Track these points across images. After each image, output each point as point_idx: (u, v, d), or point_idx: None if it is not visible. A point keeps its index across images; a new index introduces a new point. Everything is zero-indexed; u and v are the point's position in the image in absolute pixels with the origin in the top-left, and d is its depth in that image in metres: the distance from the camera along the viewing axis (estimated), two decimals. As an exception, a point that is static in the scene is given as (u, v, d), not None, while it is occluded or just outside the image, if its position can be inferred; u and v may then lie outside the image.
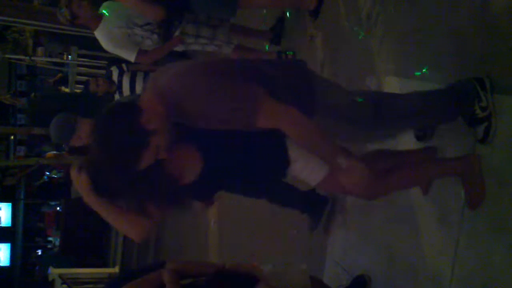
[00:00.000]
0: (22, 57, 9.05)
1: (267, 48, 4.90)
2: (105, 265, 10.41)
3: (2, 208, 15.16)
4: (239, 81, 2.02)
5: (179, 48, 4.41)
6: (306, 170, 2.30)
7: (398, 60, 3.27)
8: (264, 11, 5.07)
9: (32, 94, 10.81)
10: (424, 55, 2.98)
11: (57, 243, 13.01)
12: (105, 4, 4.42)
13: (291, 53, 4.54)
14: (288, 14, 4.75)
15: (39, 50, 9.23)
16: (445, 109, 2.52)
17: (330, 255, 3.84)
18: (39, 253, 14.55)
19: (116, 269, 9.09)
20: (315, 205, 3.79)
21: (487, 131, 2.44)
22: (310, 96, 2.21)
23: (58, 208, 13.79)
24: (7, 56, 8.71)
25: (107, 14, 4.25)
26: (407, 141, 2.91)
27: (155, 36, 4.32)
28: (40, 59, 9.22)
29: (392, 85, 3.23)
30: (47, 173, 10.25)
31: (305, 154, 2.26)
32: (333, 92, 2.34)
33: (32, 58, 8.93)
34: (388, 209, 3.12)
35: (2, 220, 15.31)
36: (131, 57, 4.37)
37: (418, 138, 2.86)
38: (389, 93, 2.99)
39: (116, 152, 1.95)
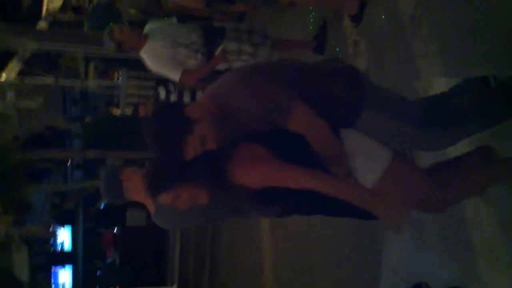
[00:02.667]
0: (74, 82, 9.35)
1: None
2: (163, 283, 10.49)
3: (64, 232, 15.60)
4: (276, 85, 2.19)
5: (222, 67, 4.41)
6: (362, 168, 2.26)
7: (444, 61, 3.18)
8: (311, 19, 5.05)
9: (86, 119, 11.13)
10: (471, 54, 2.89)
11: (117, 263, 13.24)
12: (149, 24, 4.50)
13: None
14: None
15: (92, 75, 9.53)
16: (498, 108, 2.42)
17: (386, 264, 3.74)
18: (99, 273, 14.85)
19: (174, 287, 9.15)
20: None
21: None
22: (358, 101, 2.25)
23: (115, 229, 14.06)
24: (60, 82, 8.99)
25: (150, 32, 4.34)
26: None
27: (199, 56, 4.35)
28: (92, 83, 9.48)
29: (440, 87, 3.13)
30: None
31: (363, 151, 2.26)
32: (382, 91, 2.39)
33: (85, 83, 9.20)
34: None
35: (65, 243, 15.76)
36: (176, 77, 4.41)
37: None
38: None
39: (162, 138, 2.15)
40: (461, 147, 2.75)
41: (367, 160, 2.26)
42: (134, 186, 2.59)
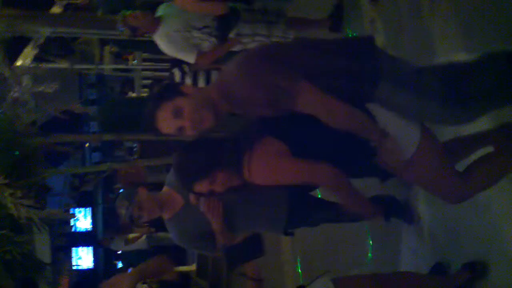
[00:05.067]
0: (90, 66, 9.36)
1: None
2: (183, 263, 10.58)
3: (83, 213, 15.82)
4: (279, 70, 2.12)
5: (237, 48, 4.39)
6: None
7: (464, 38, 3.12)
8: None
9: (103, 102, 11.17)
10: (492, 32, 2.82)
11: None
12: (162, 6, 4.47)
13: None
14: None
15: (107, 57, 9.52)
16: None
17: (406, 244, 3.74)
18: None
19: (193, 267, 9.21)
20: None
21: None
22: (374, 70, 2.18)
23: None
24: (75, 66, 8.99)
25: (164, 15, 4.31)
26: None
27: (213, 39, 4.34)
28: (107, 67, 9.49)
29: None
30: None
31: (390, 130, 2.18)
32: (398, 63, 2.29)
33: (100, 66, 9.21)
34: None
35: (84, 224, 16.00)
36: (191, 60, 4.41)
37: None
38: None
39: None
40: (482, 124, 2.69)
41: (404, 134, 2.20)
42: (147, 206, 2.88)
